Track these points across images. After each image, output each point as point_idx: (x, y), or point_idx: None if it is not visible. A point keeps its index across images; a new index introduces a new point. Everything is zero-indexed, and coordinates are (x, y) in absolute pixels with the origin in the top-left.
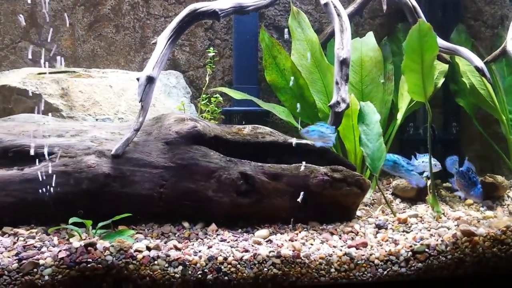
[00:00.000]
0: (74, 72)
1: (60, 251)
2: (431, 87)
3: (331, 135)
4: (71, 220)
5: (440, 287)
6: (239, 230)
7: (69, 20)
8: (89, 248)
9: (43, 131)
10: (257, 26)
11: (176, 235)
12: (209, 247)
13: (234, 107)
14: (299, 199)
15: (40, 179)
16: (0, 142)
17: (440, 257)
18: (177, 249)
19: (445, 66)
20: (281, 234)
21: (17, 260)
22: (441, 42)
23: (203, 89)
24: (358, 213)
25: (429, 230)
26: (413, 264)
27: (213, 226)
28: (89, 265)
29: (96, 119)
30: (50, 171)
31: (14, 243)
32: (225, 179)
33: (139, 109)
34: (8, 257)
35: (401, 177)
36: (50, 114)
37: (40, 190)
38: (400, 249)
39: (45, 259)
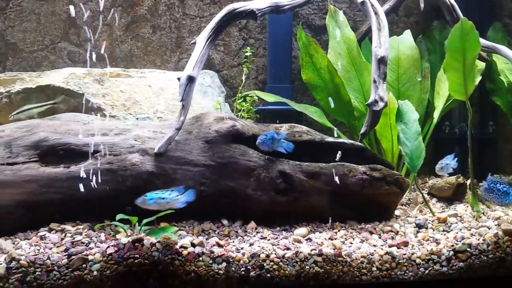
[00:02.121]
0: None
1: (108, 247)
2: (472, 86)
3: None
4: (118, 217)
5: (480, 286)
6: (277, 228)
7: (107, 21)
8: (136, 244)
9: (88, 130)
10: (291, 25)
11: (216, 232)
12: (251, 244)
13: (269, 105)
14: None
15: (86, 177)
16: (46, 140)
17: (482, 256)
18: (219, 246)
19: (482, 65)
20: (319, 232)
21: (66, 256)
22: (481, 40)
23: (239, 88)
24: (396, 212)
25: (470, 230)
26: (455, 264)
27: (252, 224)
28: (136, 261)
29: (137, 118)
30: (95, 169)
31: (62, 239)
32: (264, 178)
33: (180, 108)
34: (57, 252)
35: None
36: (98, 114)
37: (86, 188)
38: (442, 248)
39: (94, 254)
